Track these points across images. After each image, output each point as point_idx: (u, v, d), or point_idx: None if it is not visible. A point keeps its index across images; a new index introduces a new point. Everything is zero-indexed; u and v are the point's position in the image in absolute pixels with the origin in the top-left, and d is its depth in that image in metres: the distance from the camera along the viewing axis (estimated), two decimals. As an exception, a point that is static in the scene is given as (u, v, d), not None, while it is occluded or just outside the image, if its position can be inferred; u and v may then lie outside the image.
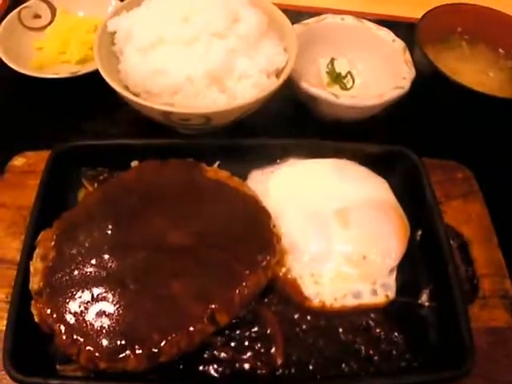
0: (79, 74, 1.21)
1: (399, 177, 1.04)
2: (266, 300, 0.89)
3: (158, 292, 0.82)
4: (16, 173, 1.06)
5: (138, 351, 0.77)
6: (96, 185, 1.00)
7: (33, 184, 0.98)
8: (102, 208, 0.91)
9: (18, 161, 1.07)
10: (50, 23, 1.35)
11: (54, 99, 1.25)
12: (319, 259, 0.93)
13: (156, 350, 0.77)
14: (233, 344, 0.84)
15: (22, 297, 0.83)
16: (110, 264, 0.84)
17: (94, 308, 0.80)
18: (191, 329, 0.79)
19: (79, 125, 1.21)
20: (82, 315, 0.79)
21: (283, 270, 0.92)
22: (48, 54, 1.29)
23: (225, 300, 0.82)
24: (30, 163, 1.06)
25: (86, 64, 1.27)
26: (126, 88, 1.07)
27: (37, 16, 1.35)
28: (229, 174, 0.98)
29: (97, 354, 0.77)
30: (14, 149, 1.09)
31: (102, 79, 1.03)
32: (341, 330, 0.88)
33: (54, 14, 1.35)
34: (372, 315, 0.90)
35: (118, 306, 0.80)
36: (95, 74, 1.07)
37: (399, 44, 1.22)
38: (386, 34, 1.24)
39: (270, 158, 1.06)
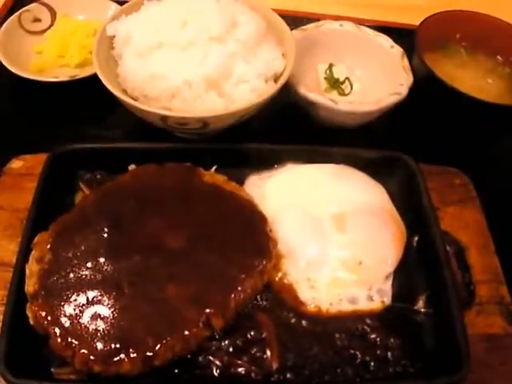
0: (78, 77, 1.21)
1: (396, 182, 1.05)
2: (261, 304, 0.89)
3: (154, 296, 0.82)
4: (13, 175, 1.06)
5: (132, 355, 0.77)
6: (93, 188, 1.00)
7: (30, 187, 0.98)
8: (99, 211, 0.91)
9: (16, 163, 1.07)
10: (49, 27, 1.35)
11: (52, 102, 1.25)
12: (315, 264, 0.93)
13: (151, 354, 0.77)
14: (228, 348, 0.84)
15: (17, 299, 0.83)
16: (105, 267, 0.84)
17: (88, 311, 0.80)
18: (186, 333, 0.79)
19: (77, 128, 1.21)
20: (76, 318, 0.80)
21: (279, 274, 0.92)
22: (47, 57, 1.30)
23: (220, 304, 0.82)
24: (27, 166, 1.06)
25: (85, 68, 1.27)
26: (125, 92, 1.07)
27: (37, 20, 1.35)
28: (225, 179, 0.99)
29: (91, 357, 0.77)
30: (11, 151, 1.09)
31: (100, 83, 1.04)
32: (336, 335, 0.88)
33: (53, 18, 1.36)
34: (368, 321, 0.90)
35: (112, 309, 0.80)
36: (94, 77, 1.07)
37: (397, 50, 1.22)
38: (385, 41, 1.24)
39: (268, 162, 1.06)
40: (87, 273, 0.84)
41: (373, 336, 0.88)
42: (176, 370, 0.82)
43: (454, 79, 1.16)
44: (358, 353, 0.86)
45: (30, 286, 0.83)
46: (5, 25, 1.29)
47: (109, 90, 1.03)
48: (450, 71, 1.21)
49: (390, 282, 0.94)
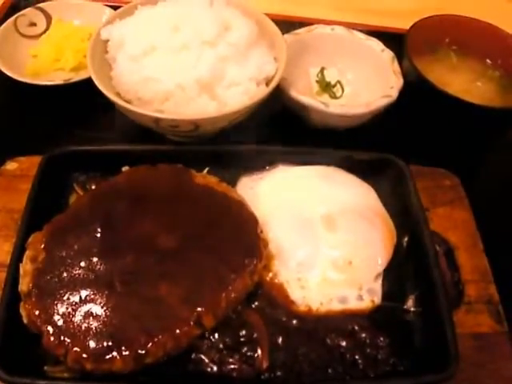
0: (73, 81, 1.22)
1: (387, 183, 1.06)
2: (252, 304, 0.90)
3: (146, 294, 0.83)
4: (8, 177, 1.07)
5: (124, 353, 0.77)
6: (87, 189, 1.02)
7: (25, 188, 0.98)
8: (92, 211, 0.92)
9: (11, 165, 1.08)
10: (45, 31, 1.37)
11: (47, 105, 1.27)
12: (306, 264, 0.94)
13: (142, 352, 0.78)
14: (219, 347, 0.85)
15: (11, 298, 0.84)
16: (98, 266, 0.85)
17: (81, 310, 0.81)
18: (177, 331, 0.80)
19: (72, 130, 1.23)
20: (69, 317, 0.80)
21: (270, 274, 0.93)
22: (43, 61, 1.31)
23: (211, 303, 0.83)
24: (22, 168, 1.08)
25: (79, 71, 1.29)
26: (118, 95, 1.08)
27: (32, 24, 1.37)
28: (217, 180, 1.00)
29: (84, 355, 0.77)
30: (6, 153, 1.10)
31: (94, 86, 1.05)
32: (327, 334, 0.88)
33: (49, 23, 1.38)
34: (358, 320, 0.90)
35: (105, 307, 0.81)
36: (88, 81, 1.08)
37: (388, 54, 1.24)
38: (375, 45, 1.26)
39: (259, 164, 1.07)
40: (80, 272, 0.84)
41: (363, 335, 0.89)
42: (168, 369, 0.82)
43: (444, 83, 1.17)
44: (347, 352, 0.87)
45: (24, 285, 0.84)
46: (0, 29, 1.31)
47: (103, 93, 1.04)
48: (440, 75, 1.23)
49: (379, 282, 0.95)
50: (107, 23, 1.14)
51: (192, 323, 0.81)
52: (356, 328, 0.89)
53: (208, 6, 1.10)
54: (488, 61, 1.29)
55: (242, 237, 0.91)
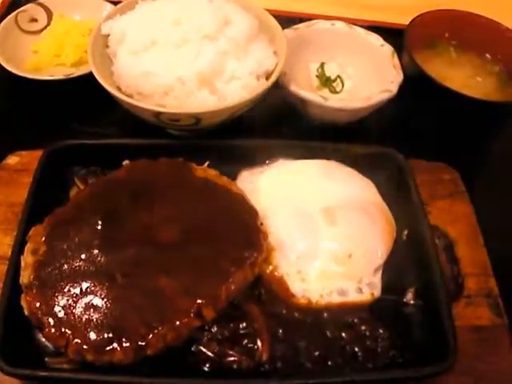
0: (73, 75, 1.23)
1: (386, 177, 1.06)
2: (253, 296, 0.90)
3: (146, 286, 0.83)
4: (9, 171, 1.07)
5: (124, 344, 0.78)
6: (88, 183, 1.02)
7: (26, 182, 0.99)
8: (93, 204, 0.93)
9: (12, 159, 1.09)
10: (46, 27, 1.37)
11: (48, 100, 1.27)
12: (306, 257, 0.94)
13: (143, 343, 0.78)
14: (219, 339, 0.85)
15: (12, 290, 0.85)
16: (98, 259, 0.85)
17: (82, 301, 0.81)
18: (178, 323, 0.80)
19: (73, 125, 1.23)
20: (70, 308, 0.81)
21: (270, 267, 0.93)
22: (43, 56, 1.31)
23: (211, 295, 0.83)
24: (23, 162, 1.08)
25: (80, 66, 1.29)
26: (119, 89, 1.08)
27: (33, 20, 1.37)
28: (217, 173, 1.00)
29: (84, 347, 0.78)
30: (8, 148, 1.11)
31: (95, 81, 1.05)
32: (326, 326, 0.89)
33: (50, 18, 1.38)
34: (357, 313, 0.91)
35: (105, 299, 0.81)
36: (89, 75, 1.08)
37: (388, 49, 1.24)
38: (375, 39, 1.26)
39: (259, 158, 1.07)
40: (81, 264, 0.85)
41: (362, 327, 0.89)
42: (168, 360, 0.83)
43: (443, 77, 1.18)
44: (347, 344, 0.87)
45: (25, 277, 0.85)
46: (2, 25, 1.31)
47: (104, 87, 1.05)
48: (440, 69, 1.23)
49: (379, 275, 0.95)
50: (108, 18, 1.14)
51: (192, 315, 0.81)
52: (356, 320, 0.90)
53: (208, 1, 1.10)
54: (487, 55, 1.29)
55: (243, 229, 0.91)
